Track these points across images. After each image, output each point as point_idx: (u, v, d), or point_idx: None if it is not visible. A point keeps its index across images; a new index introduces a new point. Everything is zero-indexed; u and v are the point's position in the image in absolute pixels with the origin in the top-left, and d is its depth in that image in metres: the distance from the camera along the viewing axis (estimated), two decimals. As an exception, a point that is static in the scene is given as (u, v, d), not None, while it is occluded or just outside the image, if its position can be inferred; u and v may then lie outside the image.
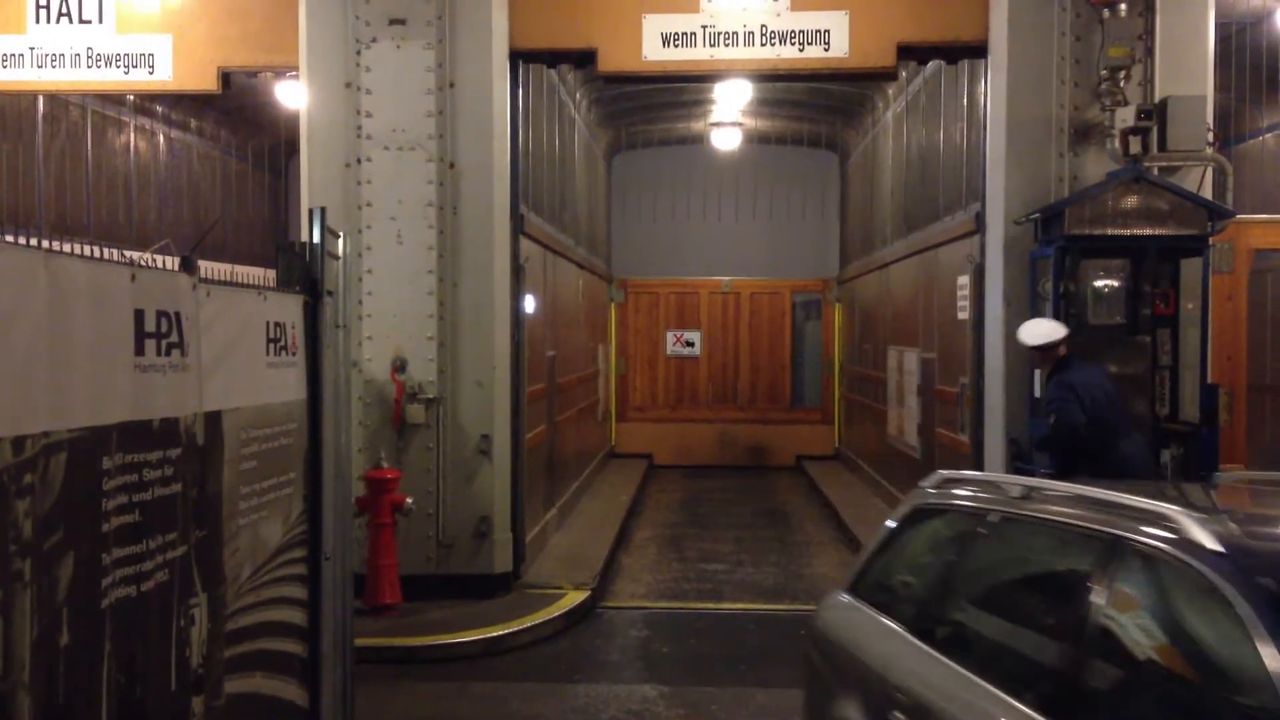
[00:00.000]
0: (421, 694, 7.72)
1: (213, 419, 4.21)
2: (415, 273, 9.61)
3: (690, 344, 20.03)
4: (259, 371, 4.74)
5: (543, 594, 9.89)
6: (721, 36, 9.94)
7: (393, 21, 9.56)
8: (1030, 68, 9.44)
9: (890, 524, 5.09)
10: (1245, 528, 3.52)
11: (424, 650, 8.48)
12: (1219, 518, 3.54)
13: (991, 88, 9.87)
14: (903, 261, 14.19)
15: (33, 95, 12.73)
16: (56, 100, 13.43)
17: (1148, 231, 8.69)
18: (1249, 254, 10.87)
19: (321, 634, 5.32)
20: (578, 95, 15.47)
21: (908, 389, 13.67)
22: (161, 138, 16.12)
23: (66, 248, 3.42)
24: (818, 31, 9.90)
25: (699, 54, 10.00)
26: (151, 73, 10.36)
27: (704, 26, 9.95)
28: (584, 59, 10.34)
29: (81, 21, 10.29)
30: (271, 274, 5.40)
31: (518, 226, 10.33)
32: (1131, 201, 8.68)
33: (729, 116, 17.75)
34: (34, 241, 3.34)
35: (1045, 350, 8.17)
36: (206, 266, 4.27)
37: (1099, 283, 9.11)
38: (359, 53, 9.58)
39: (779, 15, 9.92)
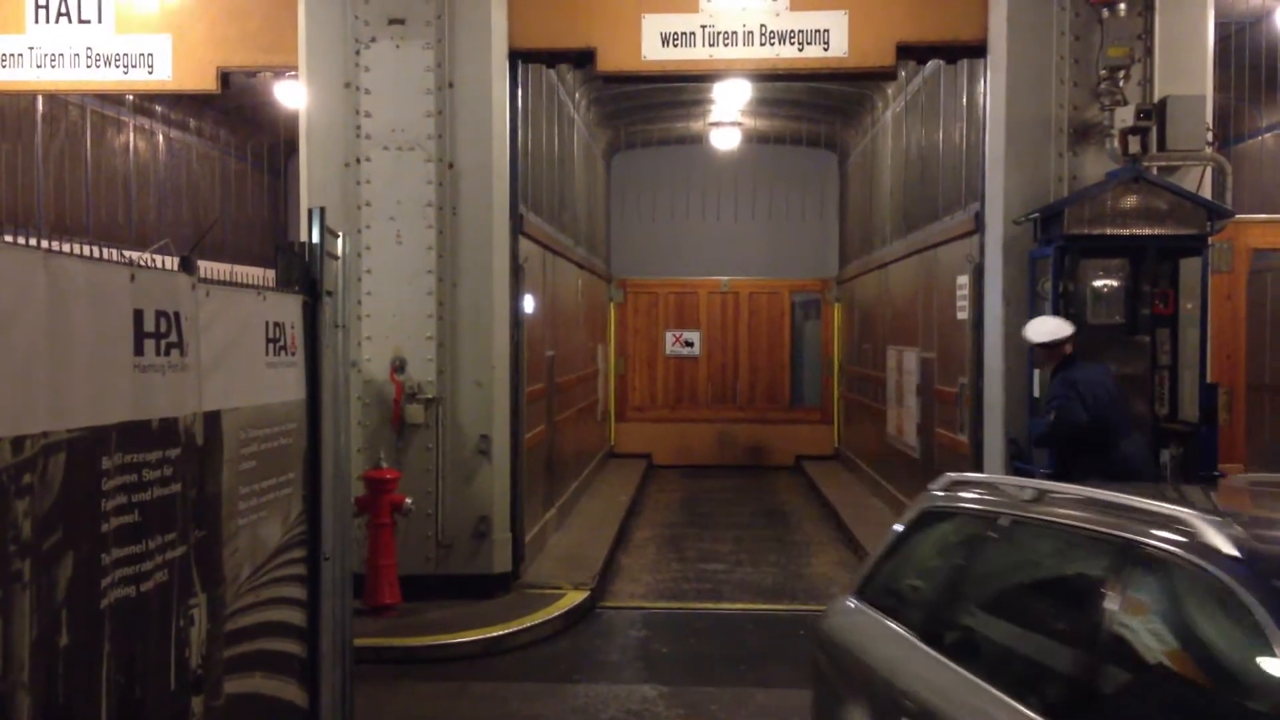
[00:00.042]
0: (421, 694, 7.72)
1: (212, 419, 4.21)
2: (414, 273, 9.61)
3: (689, 344, 20.03)
4: (258, 371, 4.74)
5: (542, 594, 9.89)
6: (721, 36, 9.94)
7: (392, 21, 9.56)
8: (1029, 67, 9.44)
9: (898, 528, 5.02)
10: (1256, 530, 3.46)
11: (423, 650, 8.47)
12: (1233, 521, 3.49)
13: (991, 87, 9.87)
14: (902, 261, 14.19)
15: (32, 95, 12.72)
16: (56, 100, 13.43)
17: (1147, 231, 8.69)
18: (1248, 253, 10.88)
19: (321, 634, 5.32)
20: (577, 95, 15.47)
21: (907, 389, 13.67)
22: (161, 138, 16.11)
23: (66, 248, 3.42)
24: (817, 31, 9.90)
25: (698, 54, 9.99)
26: (151, 73, 10.36)
27: (703, 26, 9.94)
28: (583, 59, 10.33)
29: (81, 21, 10.29)
30: (271, 274, 5.40)
31: (517, 226, 10.33)
32: (1131, 201, 8.68)
33: (728, 116, 17.75)
34: (33, 241, 3.34)
35: (1050, 348, 8.19)
36: (206, 266, 4.27)
37: (1098, 282, 9.12)
38: (358, 53, 9.58)
39: (778, 15, 9.92)
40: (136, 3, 10.30)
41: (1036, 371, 9.05)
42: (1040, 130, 9.43)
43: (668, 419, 20.04)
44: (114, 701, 3.51)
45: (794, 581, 11.13)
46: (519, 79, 10.45)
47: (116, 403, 3.53)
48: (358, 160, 9.61)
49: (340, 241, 5.81)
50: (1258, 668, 2.92)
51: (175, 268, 4.00)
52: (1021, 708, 3.51)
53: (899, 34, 9.91)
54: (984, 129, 10.14)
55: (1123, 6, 9.02)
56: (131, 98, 14.67)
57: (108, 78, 10.43)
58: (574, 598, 9.80)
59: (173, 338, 3.86)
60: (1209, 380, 8.97)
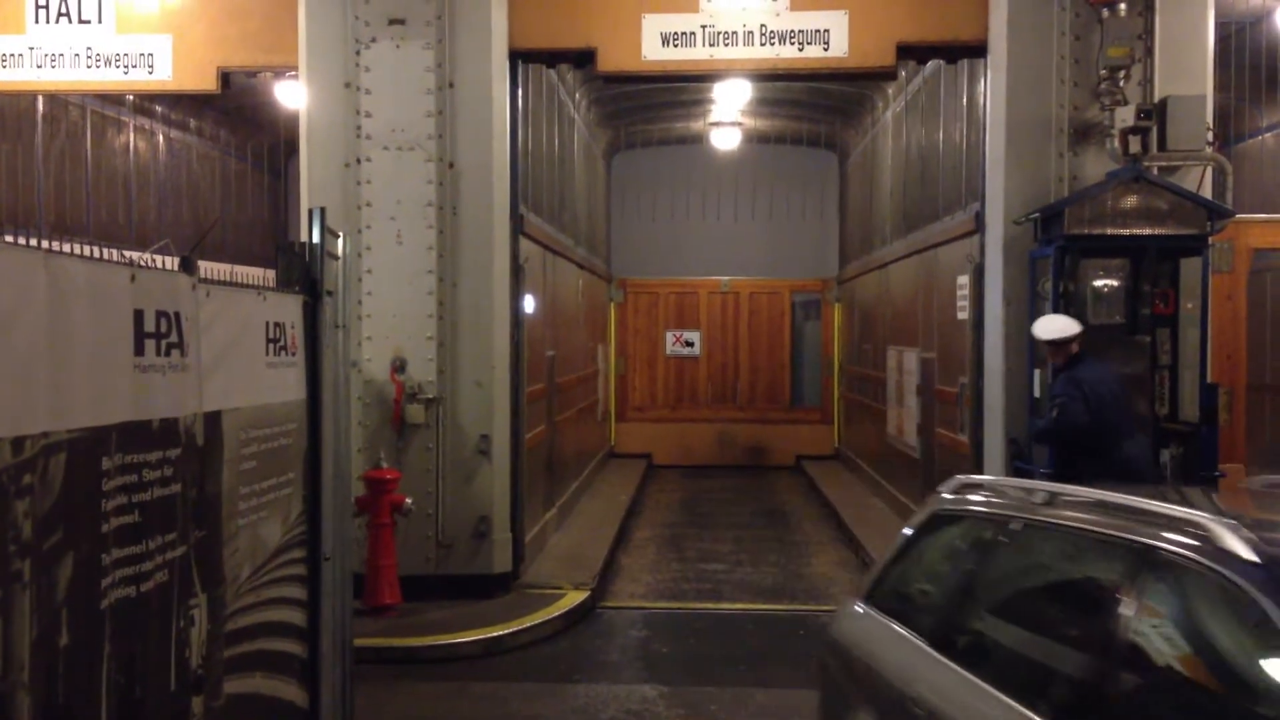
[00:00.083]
0: (421, 694, 7.72)
1: (212, 419, 4.21)
2: (415, 273, 9.61)
3: (690, 344, 20.03)
4: (258, 372, 4.74)
5: (542, 594, 9.89)
6: (721, 36, 9.94)
7: (392, 21, 9.56)
8: (1030, 67, 9.44)
9: (907, 531, 4.95)
10: (1274, 534, 3.33)
11: (423, 650, 8.47)
12: (1250, 525, 3.39)
13: (991, 87, 9.87)
14: (902, 261, 14.19)
15: (32, 95, 12.72)
16: (56, 100, 13.43)
17: (1147, 231, 8.70)
18: (1248, 253, 10.88)
19: (321, 634, 5.32)
20: (577, 95, 15.47)
21: (907, 389, 13.67)
22: (161, 138, 16.11)
23: (66, 248, 3.42)
24: (817, 31, 9.90)
25: (698, 54, 9.99)
26: (151, 73, 10.36)
27: (703, 26, 9.94)
28: (583, 59, 10.33)
29: (81, 21, 10.29)
30: (271, 274, 5.40)
31: (517, 226, 10.33)
32: (1131, 201, 8.68)
33: (728, 116, 17.75)
34: (34, 242, 3.34)
35: (1058, 345, 8.20)
36: (206, 266, 4.27)
37: (1098, 282, 9.12)
38: (358, 53, 9.58)
39: (778, 15, 9.92)
40: (136, 3, 10.30)
41: (1037, 371, 9.06)
42: (1040, 130, 9.43)
43: (668, 419, 20.05)
44: (114, 701, 3.51)
45: (794, 581, 11.13)
46: (519, 79, 10.45)
47: (117, 403, 3.53)
48: (358, 160, 9.61)
49: (340, 241, 5.81)
50: (1274, 674, 2.88)
51: (175, 268, 4.00)
52: (1033, 715, 3.45)
53: (899, 34, 9.90)
54: (984, 129, 10.14)
55: (1123, 6, 9.02)
56: (131, 98, 14.67)
57: (108, 78, 10.43)
58: (574, 598, 9.79)
59: (173, 338, 3.86)
60: (1209, 380, 8.97)
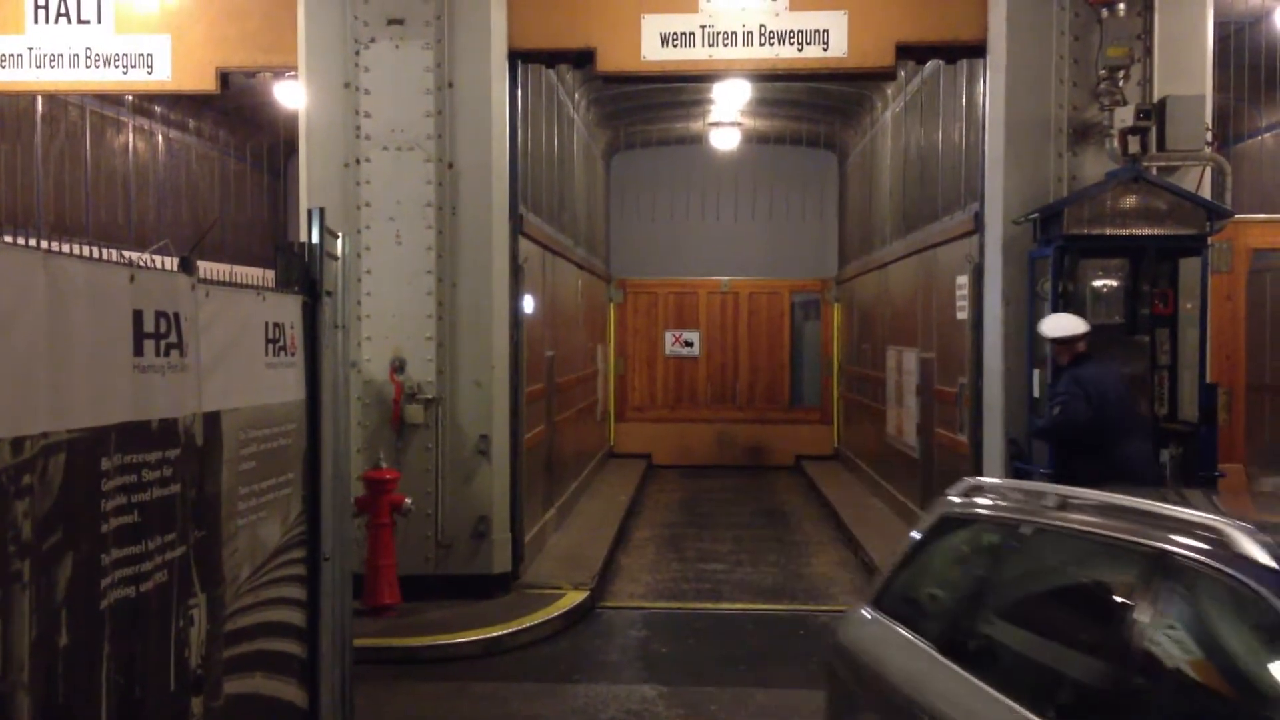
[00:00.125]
0: (421, 694, 7.72)
1: (211, 419, 4.21)
2: (414, 273, 9.61)
3: (689, 344, 20.03)
4: (258, 372, 4.74)
5: (541, 594, 9.89)
6: (720, 36, 9.94)
7: (391, 21, 9.56)
8: (1029, 67, 9.44)
9: (915, 535, 4.87)
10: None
11: (423, 650, 8.47)
12: (1269, 529, 3.29)
13: (990, 87, 9.87)
14: (901, 261, 14.19)
15: (31, 95, 12.72)
16: (55, 100, 13.43)
17: (1146, 231, 8.69)
18: (1247, 253, 10.88)
19: (320, 634, 5.32)
20: (576, 95, 15.47)
21: (906, 389, 13.67)
22: (160, 138, 16.11)
23: (65, 248, 3.42)
24: (816, 31, 9.90)
25: (698, 54, 9.99)
26: (150, 73, 10.35)
27: (703, 26, 9.94)
28: (583, 59, 10.33)
29: (80, 22, 10.29)
30: (270, 274, 5.40)
31: (516, 227, 10.33)
32: (1130, 201, 8.68)
33: (728, 116, 17.75)
34: (33, 242, 3.34)
35: (1064, 344, 8.22)
36: (205, 267, 4.27)
37: (1098, 282, 9.13)
38: (358, 53, 9.58)
39: (778, 15, 9.91)
40: (136, 3, 10.30)
41: (1036, 371, 9.06)
42: (1040, 130, 9.43)
43: (667, 419, 20.05)
44: (114, 702, 3.51)
45: (794, 581, 11.13)
46: (519, 79, 10.45)
47: (116, 403, 3.53)
48: (357, 160, 9.61)
49: (340, 242, 5.81)
50: None
51: (175, 268, 4.00)
52: None
53: (898, 34, 9.90)
54: (983, 129, 10.14)
55: (1122, 6, 9.02)
56: (131, 98, 14.68)
57: (107, 78, 10.43)
58: (574, 598, 9.79)
59: (172, 338, 3.86)
60: (1208, 380, 8.98)
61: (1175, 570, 3.24)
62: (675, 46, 9.97)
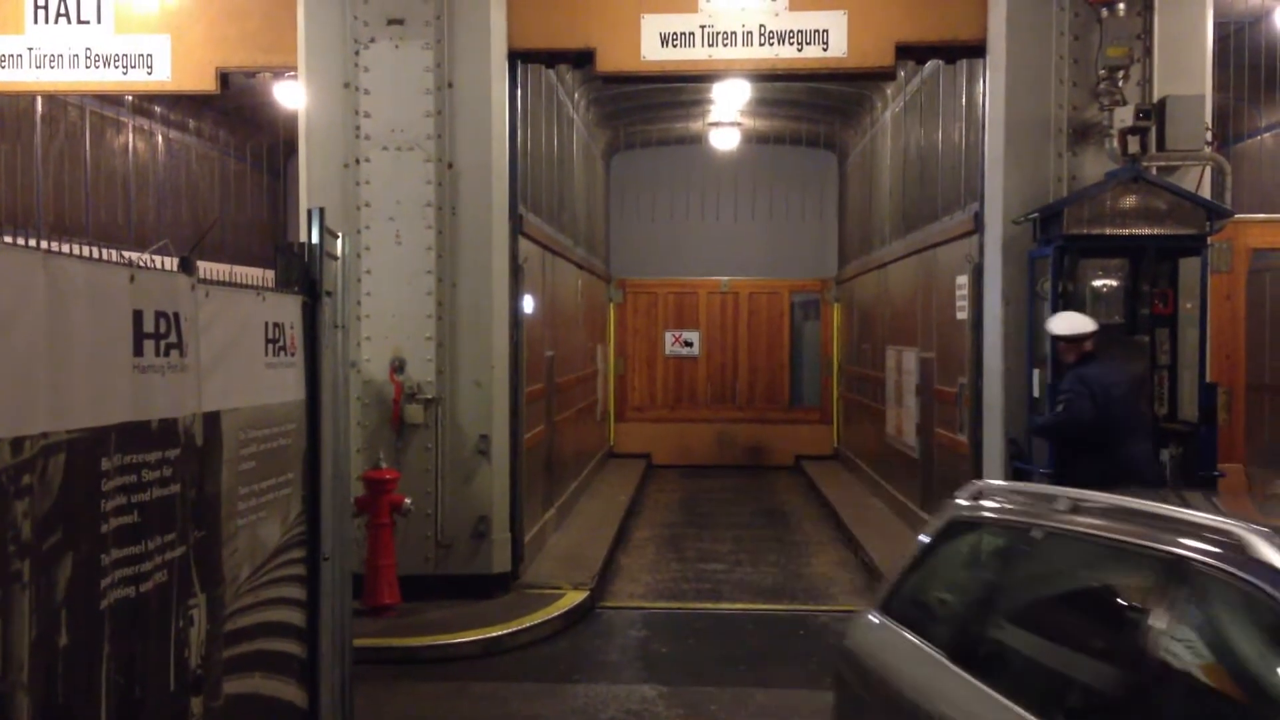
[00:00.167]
0: (420, 694, 7.72)
1: (211, 419, 4.21)
2: (414, 273, 9.61)
3: (689, 344, 20.03)
4: (258, 372, 4.74)
5: (541, 594, 9.89)
6: (720, 36, 9.94)
7: (391, 21, 9.56)
8: (1029, 67, 9.44)
9: (924, 539, 4.80)
10: None
11: (423, 650, 8.47)
12: None
13: (990, 87, 9.87)
14: (901, 261, 14.19)
15: (31, 96, 12.73)
16: (55, 101, 13.43)
17: (1146, 231, 8.70)
18: (1247, 253, 10.89)
19: (320, 634, 5.32)
20: (576, 95, 15.47)
21: (906, 389, 13.67)
22: (160, 138, 16.11)
23: (65, 248, 3.42)
24: (816, 31, 9.90)
25: (697, 54, 9.99)
26: (150, 73, 10.35)
27: (702, 26, 9.94)
28: (582, 59, 10.33)
29: (80, 22, 10.29)
30: (270, 274, 5.40)
31: (516, 227, 10.33)
32: (1130, 201, 8.68)
33: (727, 116, 17.75)
34: (33, 242, 3.34)
35: (1071, 342, 8.21)
36: (205, 267, 4.27)
37: (1097, 282, 9.13)
38: (357, 53, 9.58)
39: (777, 15, 9.92)
40: (136, 3, 10.30)
41: (1036, 371, 9.06)
42: (1039, 130, 9.44)
43: (667, 419, 20.05)
44: (114, 702, 3.51)
45: (794, 581, 11.13)
46: (518, 79, 10.45)
47: (116, 403, 3.53)
48: (357, 160, 9.61)
49: (340, 242, 5.81)
50: None
51: (174, 268, 4.00)
52: None
53: (898, 34, 9.90)
54: (983, 129, 10.14)
55: (1122, 6, 9.02)
56: (130, 98, 14.68)
57: (107, 78, 10.43)
58: (573, 598, 9.79)
59: (172, 338, 3.86)
60: (1208, 380, 8.98)
61: (1190, 575, 3.18)
62: (675, 46, 9.97)
